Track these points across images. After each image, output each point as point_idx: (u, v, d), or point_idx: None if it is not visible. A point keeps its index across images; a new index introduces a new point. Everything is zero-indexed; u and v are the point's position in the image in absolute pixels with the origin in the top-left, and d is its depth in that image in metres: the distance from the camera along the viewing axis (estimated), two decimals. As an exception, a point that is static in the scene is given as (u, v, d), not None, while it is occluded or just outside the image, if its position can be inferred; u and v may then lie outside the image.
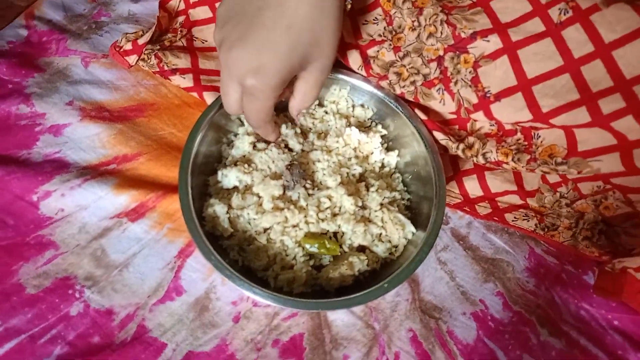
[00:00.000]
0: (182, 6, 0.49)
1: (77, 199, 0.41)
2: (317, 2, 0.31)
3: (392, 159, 0.43)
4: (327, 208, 0.40)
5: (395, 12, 0.41)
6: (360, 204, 0.40)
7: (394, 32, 0.41)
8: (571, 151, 0.37)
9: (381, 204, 0.40)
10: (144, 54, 0.46)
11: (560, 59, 0.35)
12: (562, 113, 0.35)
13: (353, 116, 0.45)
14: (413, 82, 0.41)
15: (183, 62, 0.47)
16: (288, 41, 0.31)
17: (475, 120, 0.41)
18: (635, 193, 0.37)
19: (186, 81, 0.46)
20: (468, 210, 0.43)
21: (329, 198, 0.40)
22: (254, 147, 0.43)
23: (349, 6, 0.35)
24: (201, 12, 0.49)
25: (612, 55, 0.33)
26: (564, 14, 0.35)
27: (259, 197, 0.40)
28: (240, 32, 0.32)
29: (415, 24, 0.40)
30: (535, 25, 0.36)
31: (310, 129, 0.44)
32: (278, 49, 0.31)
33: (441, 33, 0.39)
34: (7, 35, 0.50)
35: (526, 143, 0.39)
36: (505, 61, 0.37)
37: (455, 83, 0.39)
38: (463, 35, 0.38)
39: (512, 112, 0.37)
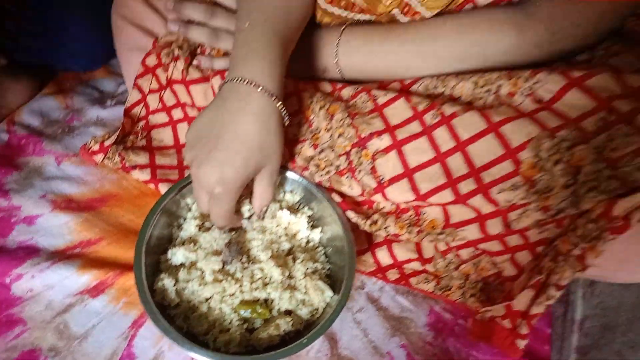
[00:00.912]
0: (143, 113, 0.59)
1: (45, 279, 0.48)
2: (263, 124, 0.41)
3: (315, 235, 0.52)
4: (259, 279, 0.47)
5: (314, 117, 0.52)
6: (287, 274, 0.48)
7: (313, 133, 0.52)
8: (446, 223, 0.46)
9: (305, 274, 0.48)
10: (110, 153, 0.55)
11: (432, 153, 0.45)
12: (435, 194, 0.45)
13: (284, 200, 0.54)
14: (328, 172, 0.50)
15: (142, 159, 0.56)
16: (242, 156, 0.41)
17: (378, 202, 0.50)
18: (497, 255, 0.46)
19: (144, 175, 0.55)
20: (380, 276, 0.51)
21: (261, 270, 0.48)
22: (200, 228, 0.51)
23: (287, 122, 0.46)
24: (159, 118, 0.59)
25: (466, 149, 0.44)
26: (435, 119, 0.46)
27: (202, 271, 0.47)
28: (205, 152, 0.41)
29: (329, 126, 0.51)
30: (415, 127, 0.47)
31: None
32: (235, 163, 0.41)
33: (348, 133, 0.49)
34: (-10, 140, 0.59)
35: (416, 218, 0.48)
36: (394, 155, 0.47)
37: (359, 172, 0.49)
38: (363, 135, 0.48)
39: (400, 194, 0.46)
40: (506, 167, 0.42)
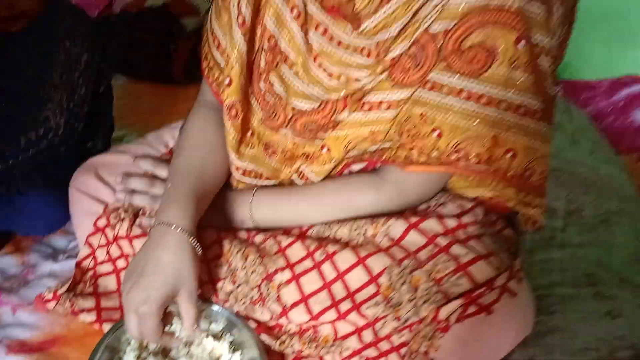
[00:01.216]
0: (92, 265, 0.71)
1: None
2: (177, 254, 0.56)
3: (236, 358, 0.63)
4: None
5: (232, 259, 0.66)
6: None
7: (232, 272, 0.66)
8: (335, 337, 0.60)
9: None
10: (61, 300, 0.66)
11: (321, 282, 0.61)
12: (324, 314, 0.59)
13: (209, 330, 0.65)
14: (244, 303, 0.64)
15: (89, 303, 0.67)
16: (161, 280, 0.54)
17: (284, 324, 0.63)
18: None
19: (90, 317, 0.65)
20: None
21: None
22: (138, 359, 0.61)
23: (200, 252, 0.59)
24: (105, 268, 0.71)
25: (344, 278, 0.60)
26: (322, 256, 0.62)
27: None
28: (133, 281, 0.54)
29: (244, 265, 0.65)
30: (308, 263, 0.63)
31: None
32: (155, 286, 0.54)
33: (259, 270, 0.64)
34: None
35: (314, 335, 0.62)
36: (293, 285, 0.62)
37: (268, 301, 0.63)
38: (270, 271, 0.63)
39: (299, 315, 0.60)
40: (371, 289, 0.58)
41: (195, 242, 0.58)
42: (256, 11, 0.62)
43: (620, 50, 1.45)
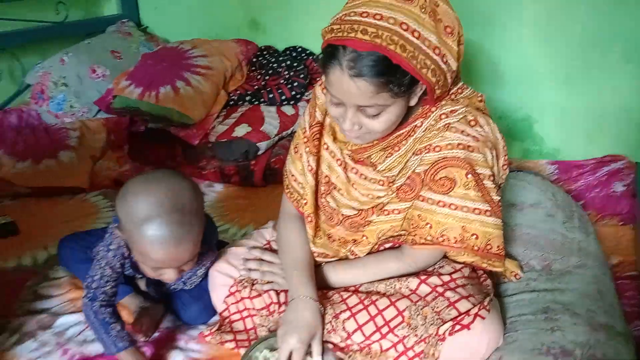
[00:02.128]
0: (227, 315, 1.14)
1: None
2: (312, 314, 0.97)
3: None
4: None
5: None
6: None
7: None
8: (381, 350, 0.98)
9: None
10: (214, 335, 1.08)
11: (368, 317, 1.00)
12: (372, 335, 0.98)
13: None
14: (324, 332, 1.04)
15: (229, 337, 1.08)
16: (306, 329, 0.95)
17: (350, 344, 1.03)
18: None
19: (231, 344, 1.07)
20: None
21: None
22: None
23: (323, 312, 1.00)
24: (235, 316, 1.13)
25: (382, 314, 0.99)
26: (368, 301, 1.02)
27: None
28: (287, 329, 0.95)
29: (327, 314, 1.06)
30: (360, 306, 1.02)
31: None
32: (303, 333, 0.94)
33: (329, 311, 1.04)
34: None
35: (369, 350, 1.00)
36: (352, 320, 1.01)
37: (338, 330, 1.02)
38: (337, 312, 1.04)
39: (357, 338, 1.00)
40: (399, 319, 0.97)
41: (320, 305, 1.00)
42: (317, 163, 1.08)
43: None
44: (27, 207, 1.63)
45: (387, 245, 1.09)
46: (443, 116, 0.95)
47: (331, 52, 0.85)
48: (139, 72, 2.07)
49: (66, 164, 1.73)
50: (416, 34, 0.81)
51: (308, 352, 0.97)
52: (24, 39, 2.19)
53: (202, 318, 1.18)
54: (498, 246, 0.98)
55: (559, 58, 1.78)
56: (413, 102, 0.92)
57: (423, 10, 0.83)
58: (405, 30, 0.81)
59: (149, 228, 0.88)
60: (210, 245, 1.17)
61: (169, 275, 0.96)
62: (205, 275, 1.16)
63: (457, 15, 0.88)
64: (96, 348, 1.08)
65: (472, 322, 0.93)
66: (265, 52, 2.29)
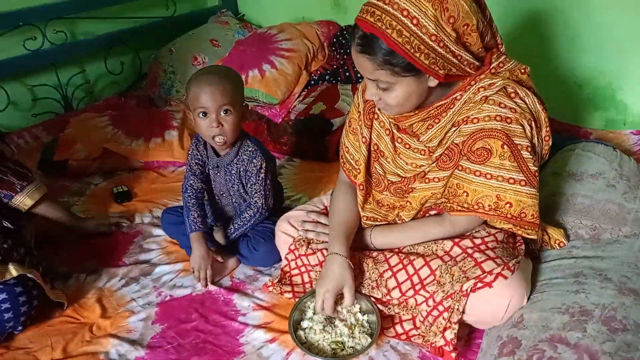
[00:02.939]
0: (288, 269, 1.32)
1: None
2: (341, 268, 1.12)
3: (365, 317, 1.17)
4: (339, 336, 1.12)
5: (364, 265, 1.22)
6: (351, 333, 1.13)
7: (362, 273, 1.21)
8: (416, 304, 1.10)
9: (359, 333, 1.13)
10: (275, 286, 1.28)
11: (407, 276, 1.12)
12: (408, 291, 1.10)
13: (355, 305, 1.20)
14: (369, 288, 1.18)
15: (288, 288, 1.27)
16: (335, 280, 1.11)
17: (390, 299, 1.16)
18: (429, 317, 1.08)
19: (289, 295, 1.26)
20: (394, 335, 1.14)
21: (341, 334, 1.13)
22: (313, 315, 1.19)
23: (352, 267, 1.14)
24: (294, 271, 1.31)
25: (418, 273, 1.10)
26: (407, 262, 1.14)
27: (315, 330, 1.14)
28: (321, 281, 1.13)
29: (367, 269, 1.20)
30: (400, 266, 1.15)
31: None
32: (332, 283, 1.11)
33: (374, 270, 1.18)
34: None
35: (406, 304, 1.13)
36: (393, 278, 1.14)
37: (380, 287, 1.16)
38: (381, 271, 1.17)
39: (396, 294, 1.13)
40: (431, 277, 1.08)
41: (349, 262, 1.14)
42: (370, 134, 1.19)
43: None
44: (138, 178, 1.95)
45: (432, 213, 1.19)
46: (481, 89, 1.02)
47: (352, 30, 0.99)
48: (232, 58, 2.31)
49: (170, 141, 2.03)
50: (415, 21, 0.90)
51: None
52: (141, 34, 2.55)
53: (267, 261, 1.41)
54: (532, 214, 1.03)
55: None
56: (432, 84, 1.00)
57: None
58: (405, 16, 0.90)
59: (195, 78, 1.28)
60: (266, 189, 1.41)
61: (212, 123, 1.27)
62: (264, 223, 1.43)
63: (474, 7, 0.93)
64: (183, 292, 1.34)
65: (494, 280, 1.00)
66: (345, 32, 2.40)
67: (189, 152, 1.44)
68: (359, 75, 2.14)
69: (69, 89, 2.36)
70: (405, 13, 0.90)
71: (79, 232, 1.57)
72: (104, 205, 1.78)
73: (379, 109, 1.17)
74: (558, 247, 1.19)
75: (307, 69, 2.29)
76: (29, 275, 1.19)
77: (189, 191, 1.42)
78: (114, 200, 1.80)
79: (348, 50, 2.29)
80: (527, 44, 1.86)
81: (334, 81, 2.19)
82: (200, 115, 1.28)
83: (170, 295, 1.34)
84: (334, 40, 2.39)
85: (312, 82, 2.25)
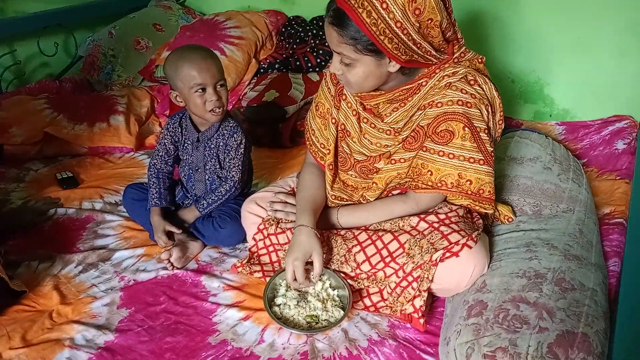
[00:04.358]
0: (256, 250, 1.34)
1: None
2: (308, 237, 1.16)
3: (334, 292, 1.22)
4: (314, 309, 1.17)
5: (332, 242, 1.26)
6: (324, 307, 1.17)
7: (331, 249, 1.26)
8: (385, 276, 1.17)
9: (331, 306, 1.18)
10: (244, 267, 1.29)
11: (375, 250, 1.18)
12: (377, 264, 1.17)
13: (325, 281, 1.24)
14: (338, 263, 1.23)
15: (257, 268, 1.29)
16: (303, 249, 1.15)
17: (359, 273, 1.22)
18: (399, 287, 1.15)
19: (259, 274, 1.28)
20: (363, 307, 1.20)
21: (314, 307, 1.17)
22: (286, 290, 1.22)
23: (319, 236, 1.19)
24: (262, 251, 1.33)
25: (387, 246, 1.17)
26: (375, 237, 1.20)
27: (289, 305, 1.17)
28: (289, 251, 1.16)
29: (336, 245, 1.25)
30: (369, 241, 1.21)
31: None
32: (300, 252, 1.14)
33: (343, 246, 1.23)
34: None
35: (374, 277, 1.19)
36: (361, 252, 1.20)
37: (349, 262, 1.21)
38: (349, 246, 1.22)
39: (365, 267, 1.19)
40: (400, 250, 1.15)
41: (316, 232, 1.18)
42: (338, 114, 1.25)
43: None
44: (83, 164, 1.87)
45: (394, 192, 1.26)
46: (445, 77, 1.11)
47: (328, 5, 1.05)
48: (179, 43, 2.27)
49: (116, 127, 1.96)
50: (384, 5, 0.97)
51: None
52: (77, 14, 2.42)
53: (231, 240, 1.43)
54: (489, 191, 1.14)
55: (570, 24, 1.87)
56: (393, 69, 1.08)
57: None
58: None
59: (184, 57, 1.28)
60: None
61: (212, 97, 1.29)
62: (230, 203, 1.45)
63: (440, 5, 1.00)
64: (147, 275, 1.32)
65: (460, 250, 1.09)
66: (293, 22, 2.43)
67: (163, 133, 1.46)
68: (309, 65, 2.19)
69: (-3, 69, 2.20)
70: None
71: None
72: (47, 191, 1.69)
73: (346, 91, 1.22)
74: (507, 222, 1.30)
75: (256, 57, 2.30)
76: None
77: (152, 169, 1.46)
78: (58, 186, 1.71)
79: (297, 40, 2.33)
80: (466, 43, 2.00)
81: (284, 70, 2.22)
82: (199, 91, 1.29)
83: (134, 280, 1.31)
84: (283, 30, 2.41)
85: (262, 70, 2.26)
